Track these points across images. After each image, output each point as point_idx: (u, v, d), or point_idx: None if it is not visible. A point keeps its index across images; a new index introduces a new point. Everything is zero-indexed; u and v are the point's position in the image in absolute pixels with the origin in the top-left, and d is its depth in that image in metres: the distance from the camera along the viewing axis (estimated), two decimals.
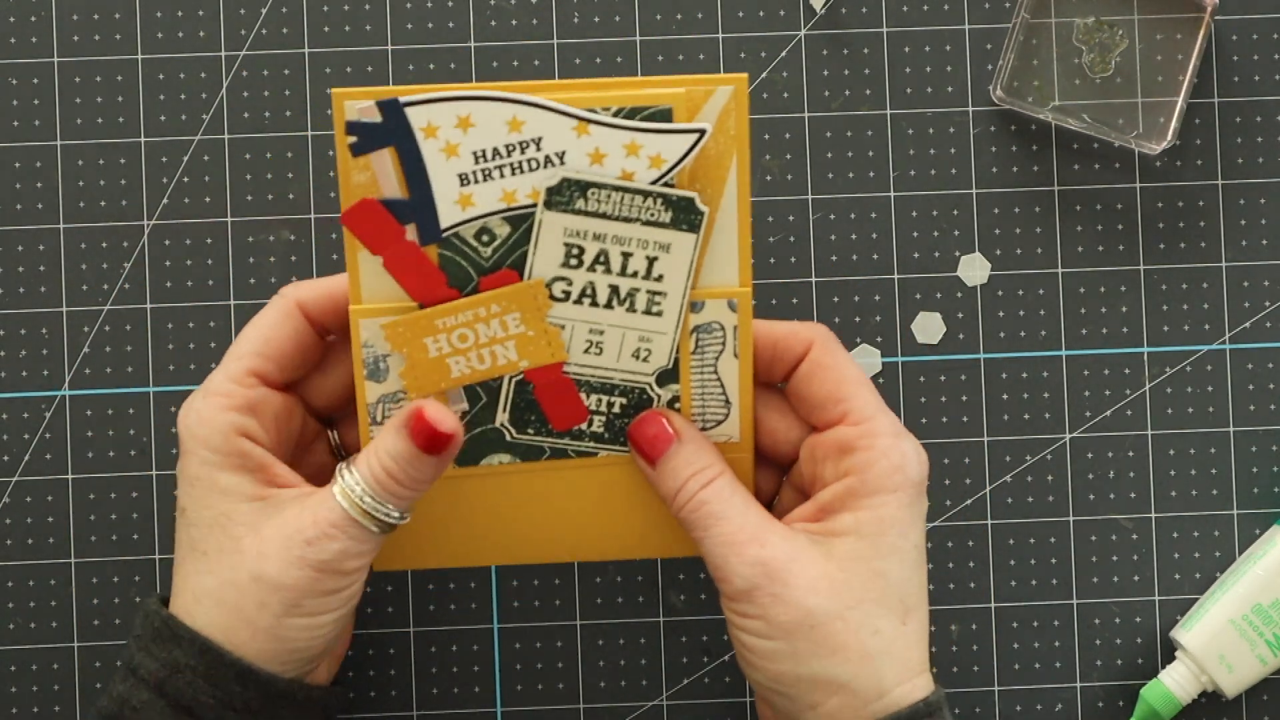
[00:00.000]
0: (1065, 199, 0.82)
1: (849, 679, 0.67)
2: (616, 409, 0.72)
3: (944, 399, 0.81)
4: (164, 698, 0.68)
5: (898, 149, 0.81)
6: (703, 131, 0.68)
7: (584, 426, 0.72)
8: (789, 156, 0.81)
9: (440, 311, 0.69)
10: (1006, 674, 0.81)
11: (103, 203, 0.81)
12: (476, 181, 0.68)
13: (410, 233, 0.69)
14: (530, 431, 0.72)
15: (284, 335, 0.71)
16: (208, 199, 0.81)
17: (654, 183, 0.68)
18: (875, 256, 0.81)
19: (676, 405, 0.72)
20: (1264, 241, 0.82)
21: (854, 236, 0.81)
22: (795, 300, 0.81)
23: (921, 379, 0.81)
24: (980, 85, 0.82)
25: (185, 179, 0.81)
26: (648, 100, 0.67)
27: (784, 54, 0.81)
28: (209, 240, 0.81)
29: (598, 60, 0.81)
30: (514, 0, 0.81)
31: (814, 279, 0.81)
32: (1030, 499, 0.81)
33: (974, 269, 0.82)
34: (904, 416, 0.81)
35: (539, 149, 0.68)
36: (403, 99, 0.67)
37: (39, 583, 0.80)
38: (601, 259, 0.69)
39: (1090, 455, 0.81)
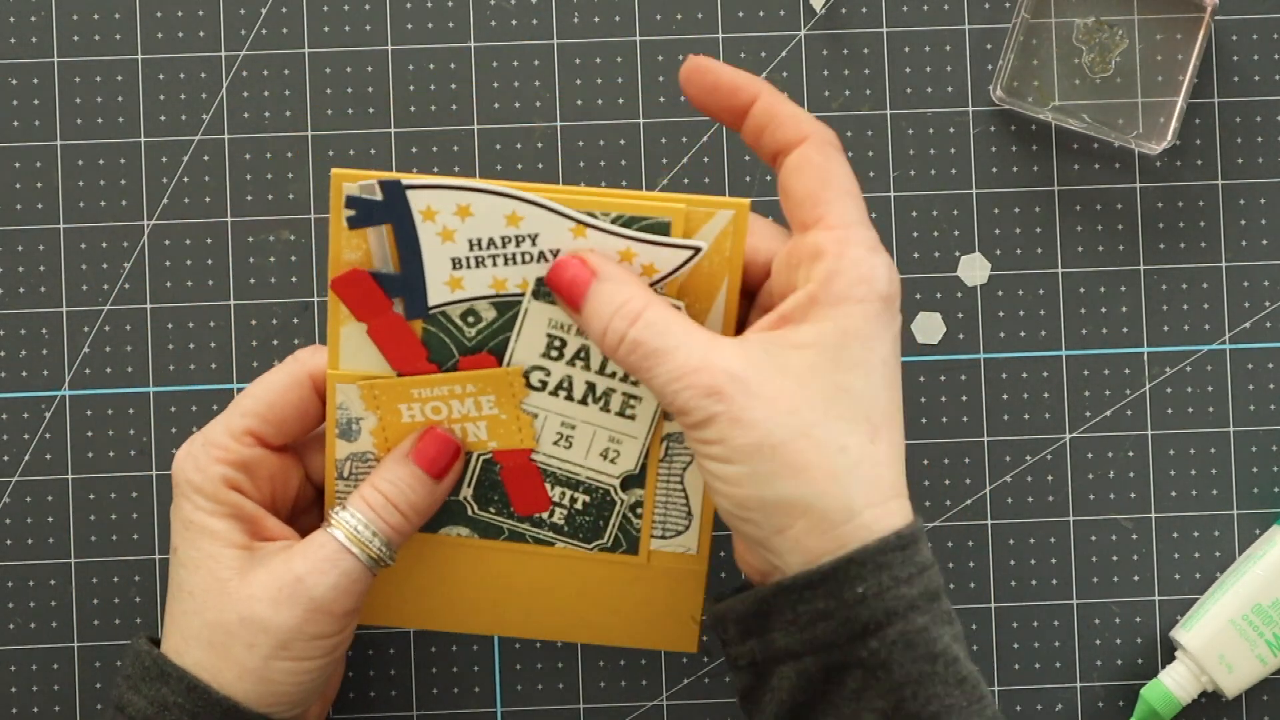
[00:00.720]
0: (1065, 199, 0.82)
1: (814, 499, 0.64)
2: (579, 505, 0.72)
3: (944, 399, 0.81)
4: None
5: (898, 149, 0.81)
6: (697, 250, 0.67)
7: (544, 516, 0.72)
8: None
9: (417, 382, 0.70)
10: (1006, 674, 0.81)
11: (103, 203, 0.81)
12: (469, 266, 0.69)
13: (397, 305, 0.69)
14: (491, 510, 0.73)
15: (288, 402, 0.71)
16: (208, 199, 0.81)
17: None
18: None
19: (639, 510, 0.72)
20: (1264, 241, 0.82)
21: None
22: None
23: (921, 379, 0.81)
24: (980, 85, 0.82)
25: (185, 179, 0.81)
26: (647, 211, 0.67)
27: (784, 54, 0.81)
28: (209, 240, 0.81)
29: (598, 60, 0.81)
30: (514, 0, 0.81)
31: None
32: (1030, 499, 0.81)
33: (974, 269, 0.82)
34: (904, 417, 0.81)
35: (534, 244, 0.68)
36: (405, 181, 0.67)
37: (39, 583, 0.80)
38: (582, 354, 0.69)
39: (1090, 455, 0.81)
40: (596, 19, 0.81)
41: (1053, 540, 0.81)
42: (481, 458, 0.72)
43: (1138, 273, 0.82)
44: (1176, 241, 0.82)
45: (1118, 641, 0.81)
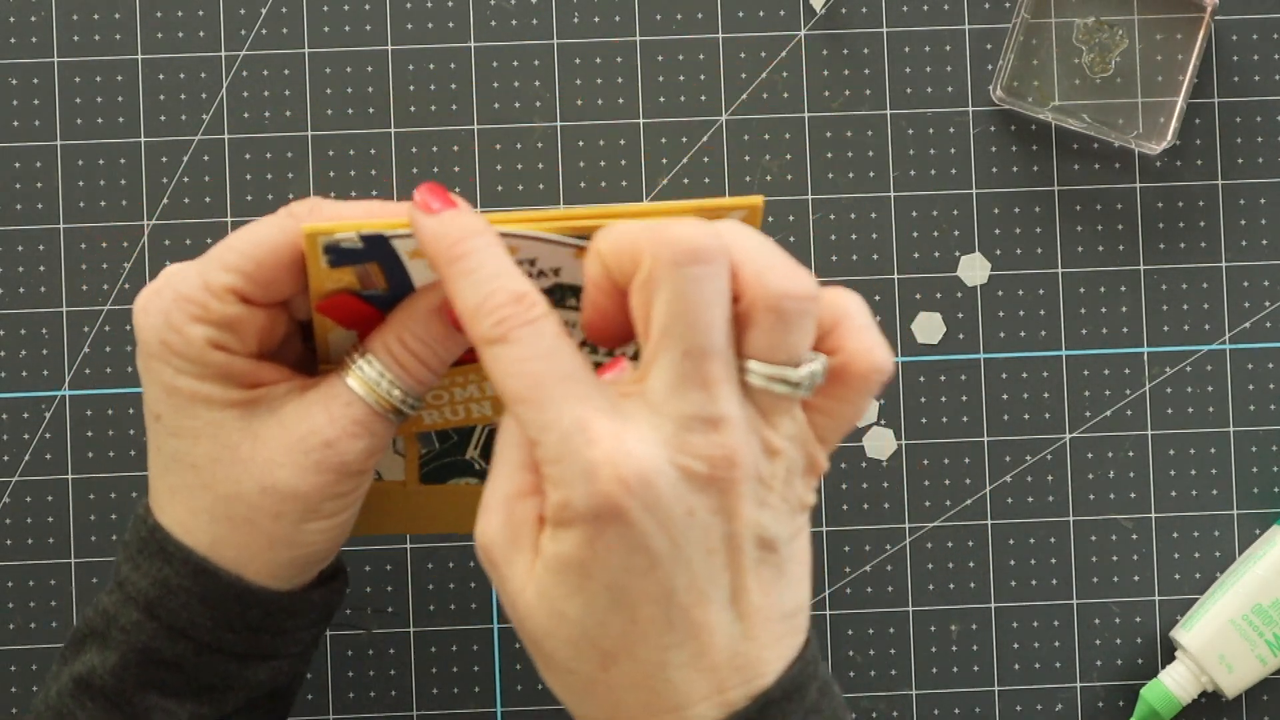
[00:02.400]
0: (1065, 199, 0.82)
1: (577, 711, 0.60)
2: None
3: (944, 399, 0.81)
4: (155, 620, 0.63)
5: (898, 149, 0.81)
6: None
7: None
8: (789, 156, 0.81)
9: None
10: (1006, 674, 0.81)
11: (103, 203, 0.81)
12: None
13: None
14: None
15: (278, 262, 0.63)
16: (208, 199, 0.81)
17: None
18: (875, 256, 0.81)
19: None
20: (1264, 241, 0.82)
21: (854, 236, 0.81)
22: None
23: (921, 379, 0.81)
24: (980, 85, 0.82)
25: (185, 179, 0.81)
26: None
27: (784, 54, 0.81)
28: (209, 240, 0.81)
29: (598, 60, 0.81)
30: (514, 0, 0.81)
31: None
32: (1030, 499, 0.81)
33: (974, 269, 0.82)
34: (904, 416, 0.81)
35: (534, 266, 0.64)
36: (388, 233, 0.61)
37: (39, 583, 0.80)
38: (591, 347, 0.66)
39: (1090, 455, 0.81)
40: (596, 19, 0.81)
41: (1053, 540, 0.81)
42: (488, 428, 0.69)
43: (1138, 273, 0.82)
44: (1176, 241, 0.82)
45: (1118, 641, 0.81)
